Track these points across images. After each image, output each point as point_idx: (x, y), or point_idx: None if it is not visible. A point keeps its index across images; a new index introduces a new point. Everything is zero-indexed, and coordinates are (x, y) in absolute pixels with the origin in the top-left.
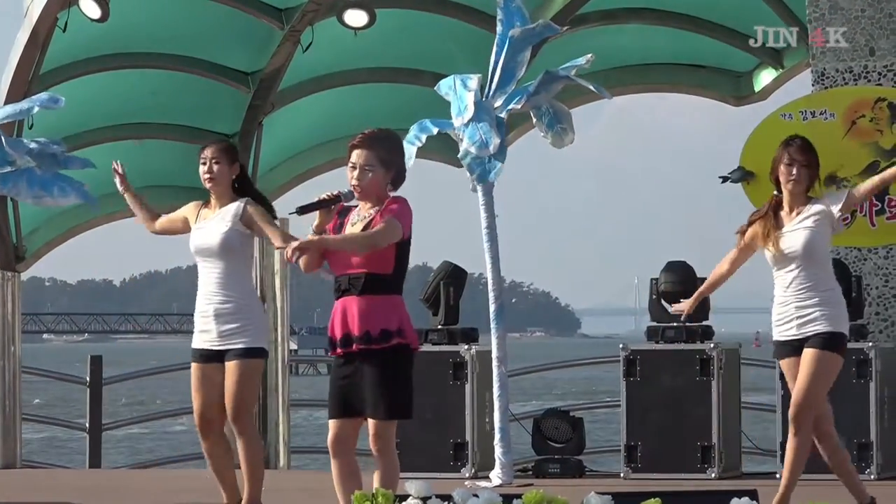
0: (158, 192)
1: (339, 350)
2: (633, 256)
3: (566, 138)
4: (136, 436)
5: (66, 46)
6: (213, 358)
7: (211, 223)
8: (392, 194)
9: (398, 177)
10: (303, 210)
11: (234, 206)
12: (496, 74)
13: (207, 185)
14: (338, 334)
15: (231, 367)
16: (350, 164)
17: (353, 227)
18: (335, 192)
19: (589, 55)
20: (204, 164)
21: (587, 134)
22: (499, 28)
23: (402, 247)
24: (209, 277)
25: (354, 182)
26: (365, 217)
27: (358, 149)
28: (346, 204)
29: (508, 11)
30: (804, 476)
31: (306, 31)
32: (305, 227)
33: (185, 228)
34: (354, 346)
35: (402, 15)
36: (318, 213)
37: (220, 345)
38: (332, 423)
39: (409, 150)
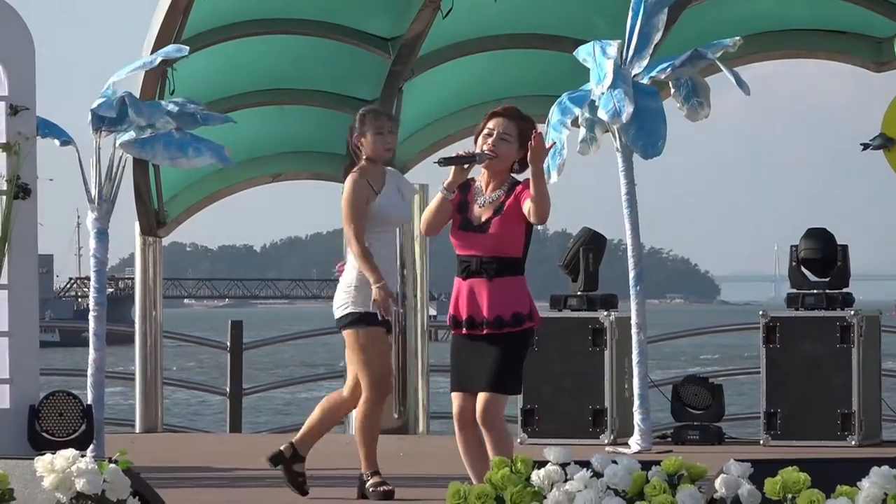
0: (297, 158)
1: (464, 330)
2: (772, 223)
3: (701, 112)
4: (277, 399)
5: (207, 13)
6: None
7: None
8: (521, 178)
9: (524, 161)
10: (445, 162)
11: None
12: (633, 40)
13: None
14: (463, 314)
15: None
16: (486, 131)
17: (482, 209)
18: (472, 151)
19: (737, 38)
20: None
21: (725, 100)
22: None
23: (530, 230)
24: None
25: (490, 147)
26: (492, 200)
27: (500, 117)
28: (478, 164)
29: None
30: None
31: None
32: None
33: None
34: (485, 330)
35: None
36: (453, 169)
37: None
38: (455, 396)
39: (559, 138)
